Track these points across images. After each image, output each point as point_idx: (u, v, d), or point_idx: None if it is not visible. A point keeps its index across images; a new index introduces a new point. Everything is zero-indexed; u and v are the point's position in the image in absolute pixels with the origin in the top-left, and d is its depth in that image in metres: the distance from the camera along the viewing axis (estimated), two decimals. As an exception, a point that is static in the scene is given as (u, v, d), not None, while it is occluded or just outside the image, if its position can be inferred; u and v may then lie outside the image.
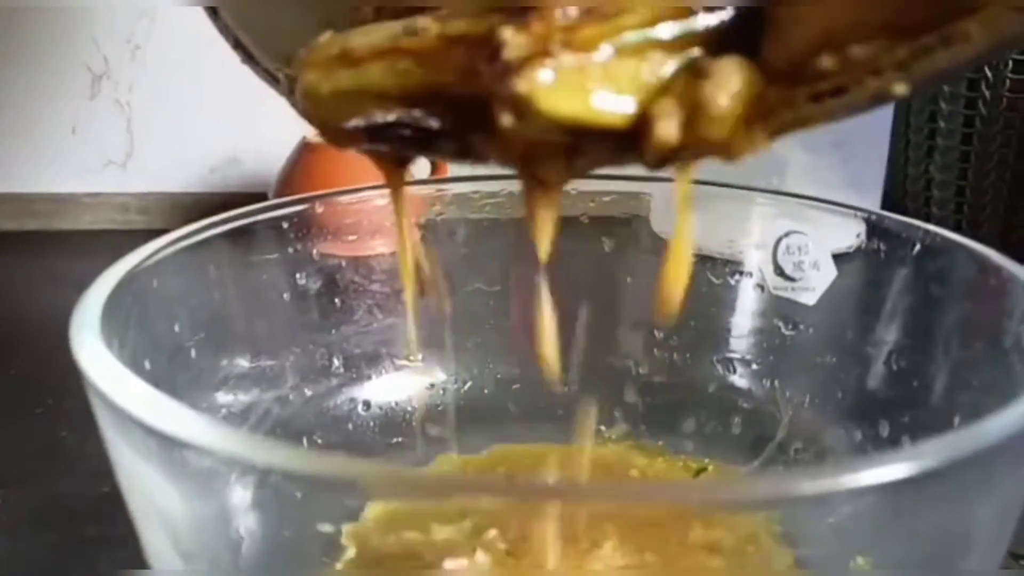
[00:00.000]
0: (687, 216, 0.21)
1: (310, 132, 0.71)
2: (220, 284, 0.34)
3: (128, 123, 0.79)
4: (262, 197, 0.72)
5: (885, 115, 0.65)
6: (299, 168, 0.70)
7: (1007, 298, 0.27)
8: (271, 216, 0.36)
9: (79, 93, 0.78)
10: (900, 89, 0.17)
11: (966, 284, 0.30)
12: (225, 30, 0.28)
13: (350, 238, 0.39)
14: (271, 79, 0.27)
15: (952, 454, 0.18)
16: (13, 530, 0.37)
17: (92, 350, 0.23)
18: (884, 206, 0.66)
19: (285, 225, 0.37)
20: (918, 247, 0.33)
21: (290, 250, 0.37)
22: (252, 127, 0.80)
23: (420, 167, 0.75)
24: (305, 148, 0.70)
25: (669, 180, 0.36)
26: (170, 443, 0.19)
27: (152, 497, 0.22)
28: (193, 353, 0.31)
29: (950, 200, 0.67)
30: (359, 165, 0.74)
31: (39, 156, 0.80)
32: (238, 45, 0.28)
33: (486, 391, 0.40)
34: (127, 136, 0.80)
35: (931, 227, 0.32)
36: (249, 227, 0.36)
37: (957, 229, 0.66)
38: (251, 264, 0.36)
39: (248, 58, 0.28)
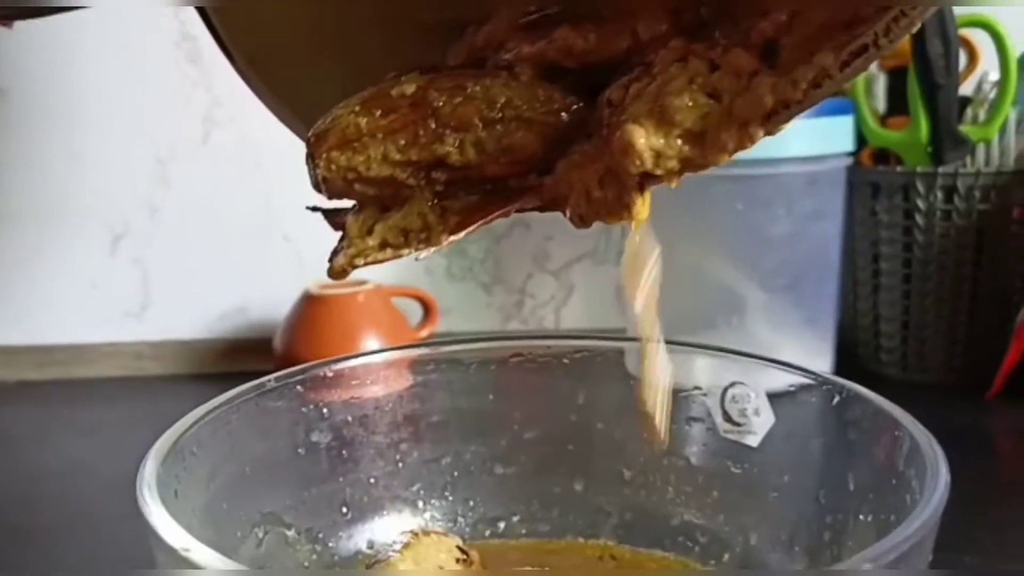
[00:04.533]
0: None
1: (311, 285, 0.77)
2: (244, 445, 0.40)
3: (144, 278, 0.86)
4: (266, 342, 0.79)
5: (832, 258, 0.72)
6: (301, 317, 0.77)
7: (900, 443, 0.34)
8: (288, 382, 0.42)
9: (100, 251, 0.85)
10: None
11: (871, 430, 0.36)
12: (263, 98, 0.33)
13: (355, 396, 0.45)
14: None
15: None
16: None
17: (155, 508, 0.29)
18: (838, 340, 0.73)
19: (300, 388, 0.43)
20: (837, 398, 0.39)
21: (303, 409, 0.43)
22: (257, 280, 0.87)
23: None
24: (307, 299, 0.77)
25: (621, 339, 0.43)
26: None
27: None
28: (225, 505, 0.37)
29: (896, 333, 0.74)
30: (355, 314, 0.80)
31: (60, 309, 0.86)
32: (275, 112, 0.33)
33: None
34: (143, 290, 0.86)
35: (846, 382, 0.38)
36: (267, 392, 0.41)
37: (904, 358, 0.73)
38: (271, 424, 0.42)
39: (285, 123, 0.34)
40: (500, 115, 0.26)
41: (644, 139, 0.24)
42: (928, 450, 0.32)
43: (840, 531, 0.38)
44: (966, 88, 0.72)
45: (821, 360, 0.71)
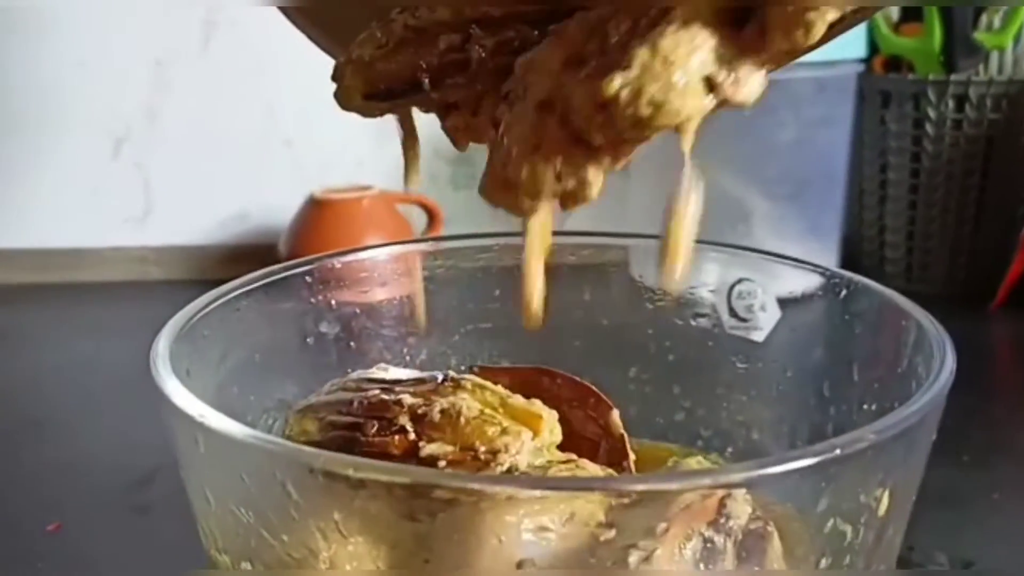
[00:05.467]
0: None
1: (316, 189, 0.77)
2: (254, 331, 0.40)
3: (146, 183, 0.86)
4: (268, 248, 0.79)
5: (839, 167, 0.72)
6: (306, 221, 0.77)
7: (907, 332, 0.34)
8: (297, 272, 0.42)
9: (101, 156, 0.85)
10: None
11: (877, 322, 0.36)
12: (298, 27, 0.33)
13: (363, 289, 0.45)
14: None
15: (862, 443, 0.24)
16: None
17: (169, 381, 0.29)
18: (843, 250, 0.73)
19: (308, 279, 0.43)
20: (844, 292, 0.39)
21: (312, 300, 0.44)
22: (259, 185, 0.87)
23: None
24: (311, 203, 0.77)
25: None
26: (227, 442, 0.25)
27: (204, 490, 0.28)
28: (236, 389, 0.37)
29: (901, 244, 0.74)
30: (360, 219, 0.80)
31: (62, 213, 0.86)
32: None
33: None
34: (145, 195, 0.86)
35: (853, 275, 0.39)
36: (277, 281, 0.42)
37: (908, 269, 0.73)
38: (279, 312, 0.42)
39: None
40: None
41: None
42: (935, 335, 0.32)
43: (843, 422, 0.38)
44: (981, -6, 0.71)
45: (825, 269, 0.71)
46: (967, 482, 0.47)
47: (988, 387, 0.59)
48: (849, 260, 0.74)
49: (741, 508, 0.24)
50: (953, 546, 0.44)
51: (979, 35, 0.68)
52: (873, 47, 0.71)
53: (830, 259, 0.72)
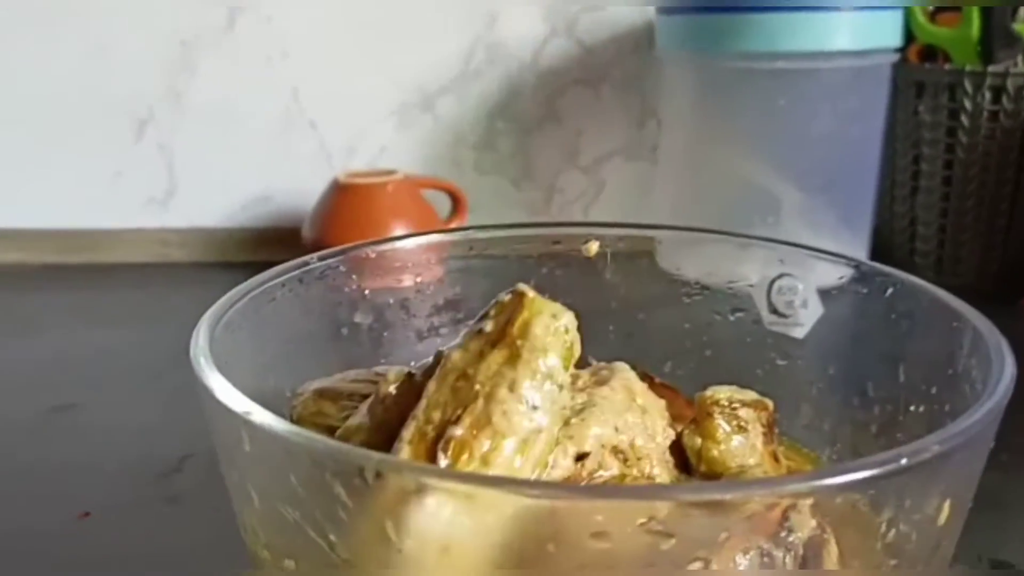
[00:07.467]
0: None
1: (340, 173, 0.76)
2: (289, 322, 0.39)
3: (169, 165, 0.85)
4: (292, 232, 0.78)
5: (872, 158, 0.71)
6: (330, 205, 0.76)
7: (959, 333, 0.33)
8: (332, 261, 0.42)
9: (125, 137, 0.84)
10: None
11: (926, 322, 0.36)
12: None
13: (398, 278, 0.45)
14: None
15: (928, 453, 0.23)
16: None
17: (212, 376, 0.28)
18: (873, 243, 0.72)
19: (343, 269, 0.42)
20: (891, 290, 0.38)
21: (345, 289, 0.43)
22: (282, 168, 0.86)
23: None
24: (336, 187, 0.76)
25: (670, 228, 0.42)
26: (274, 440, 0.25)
27: (247, 487, 0.27)
28: (272, 381, 0.37)
29: (933, 236, 0.73)
30: (385, 204, 0.80)
31: (84, 195, 0.86)
32: None
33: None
34: (168, 176, 0.85)
35: (902, 274, 0.38)
36: (312, 271, 0.41)
37: (938, 262, 0.72)
38: (314, 302, 0.41)
39: None
40: None
41: None
42: (991, 339, 0.31)
43: (889, 423, 0.37)
44: (1021, -16, 0.69)
45: (855, 262, 0.70)
46: (1006, 482, 0.46)
47: (1019, 384, 0.58)
48: (879, 252, 0.73)
49: (804, 521, 0.24)
50: (991, 548, 0.44)
51: (1018, 26, 0.67)
52: (909, 36, 0.70)
53: (860, 251, 0.71)
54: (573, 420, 0.29)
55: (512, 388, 0.26)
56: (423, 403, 0.27)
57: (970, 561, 0.43)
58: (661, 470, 0.29)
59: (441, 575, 0.23)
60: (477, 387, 0.26)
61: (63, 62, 0.83)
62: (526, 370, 0.26)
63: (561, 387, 0.27)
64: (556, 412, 0.26)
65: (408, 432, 0.26)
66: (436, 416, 0.26)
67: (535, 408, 0.26)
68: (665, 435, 0.31)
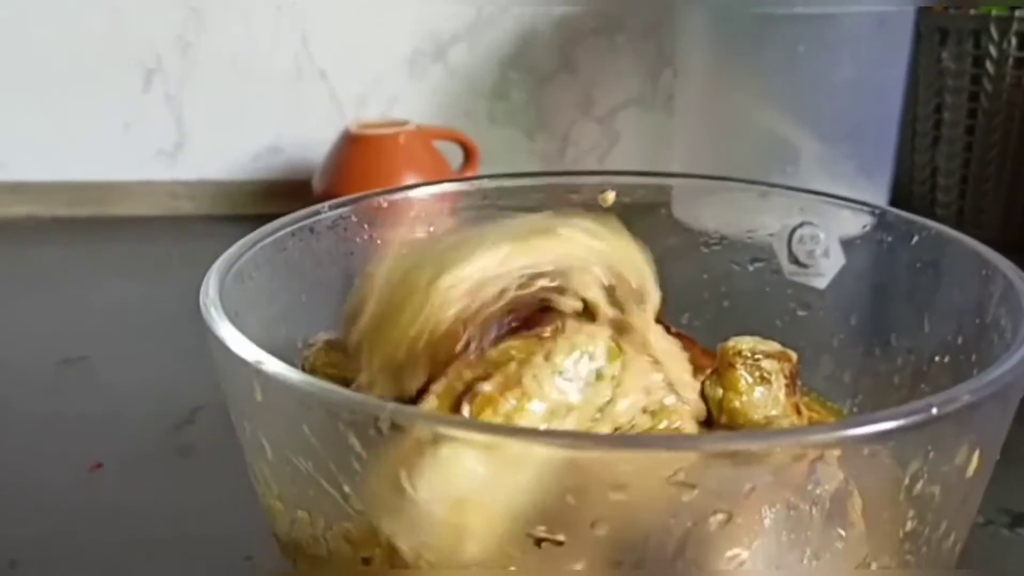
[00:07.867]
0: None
1: (351, 124, 0.75)
2: (300, 272, 0.39)
3: (178, 117, 0.84)
4: (302, 183, 0.78)
5: (894, 107, 0.69)
6: (341, 156, 0.75)
7: (989, 282, 0.32)
8: (343, 210, 0.41)
9: (133, 88, 0.83)
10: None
11: (953, 271, 0.35)
12: None
13: (410, 228, 0.44)
14: None
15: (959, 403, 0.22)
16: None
17: (223, 325, 0.28)
18: (892, 193, 0.71)
19: (355, 218, 0.41)
20: (916, 239, 0.37)
21: (357, 239, 0.42)
22: (292, 119, 0.85)
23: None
24: (347, 138, 0.75)
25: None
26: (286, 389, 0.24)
27: (259, 438, 0.27)
28: (283, 331, 0.36)
29: (954, 187, 0.71)
30: (396, 155, 0.79)
31: (93, 147, 0.85)
32: None
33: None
34: (177, 128, 0.84)
35: (928, 222, 0.37)
36: (323, 220, 0.40)
37: (959, 214, 0.71)
38: (325, 252, 0.41)
39: None
40: None
41: None
42: (1022, 288, 0.30)
43: (912, 374, 0.37)
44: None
45: (875, 212, 0.69)
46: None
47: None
48: (899, 203, 0.72)
49: (832, 473, 0.23)
50: (1011, 501, 0.43)
51: (1047, -32, 0.65)
52: (933, -20, 0.68)
53: (880, 200, 0.70)
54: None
55: (548, 357, 0.25)
56: (458, 363, 0.26)
57: (990, 514, 0.43)
58: (690, 426, 0.29)
59: (456, 527, 0.23)
60: (513, 352, 0.26)
61: (71, 11, 0.81)
62: (566, 344, 0.26)
63: (600, 376, 0.26)
64: (589, 398, 0.26)
65: (439, 386, 0.26)
66: (468, 374, 0.26)
67: (569, 380, 0.25)
68: (693, 387, 0.30)
